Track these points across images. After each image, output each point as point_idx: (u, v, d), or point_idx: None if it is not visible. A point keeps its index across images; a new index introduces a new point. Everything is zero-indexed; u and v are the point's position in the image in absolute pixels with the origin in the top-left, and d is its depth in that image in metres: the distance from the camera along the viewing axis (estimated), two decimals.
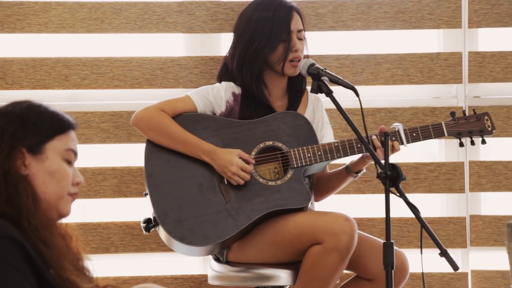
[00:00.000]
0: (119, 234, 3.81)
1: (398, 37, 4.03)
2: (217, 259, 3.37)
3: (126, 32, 3.85)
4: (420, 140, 3.35)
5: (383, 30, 3.94)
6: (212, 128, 3.31)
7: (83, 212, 3.94)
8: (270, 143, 3.32)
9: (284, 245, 3.19)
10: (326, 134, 3.46)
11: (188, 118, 3.31)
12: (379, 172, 2.78)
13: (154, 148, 3.30)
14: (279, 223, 3.21)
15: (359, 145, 3.29)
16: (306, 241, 3.13)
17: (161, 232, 3.24)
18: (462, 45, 3.96)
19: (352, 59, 3.91)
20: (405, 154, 3.81)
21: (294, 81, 3.43)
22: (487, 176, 3.91)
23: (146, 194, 3.29)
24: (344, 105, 3.02)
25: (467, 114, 3.42)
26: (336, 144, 3.30)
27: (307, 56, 3.39)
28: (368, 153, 3.28)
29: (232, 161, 3.22)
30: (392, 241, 2.70)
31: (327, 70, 3.13)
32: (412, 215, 2.77)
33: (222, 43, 3.91)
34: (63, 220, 2.09)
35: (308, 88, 3.42)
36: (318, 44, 3.82)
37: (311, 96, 3.47)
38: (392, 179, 2.76)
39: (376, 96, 3.96)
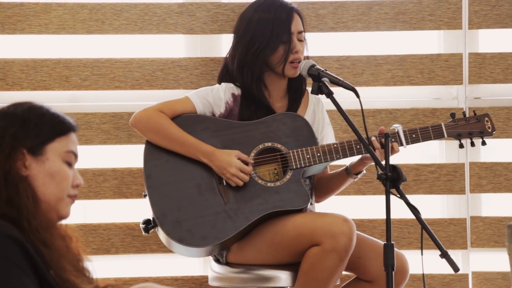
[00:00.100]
0: (119, 235, 3.81)
1: (399, 38, 4.03)
2: (217, 260, 3.37)
3: (127, 33, 3.85)
4: (420, 142, 3.35)
5: (384, 31, 3.94)
6: (211, 129, 3.31)
7: (83, 213, 3.94)
8: (269, 144, 3.32)
9: (283, 246, 3.19)
10: (327, 135, 3.46)
11: (187, 119, 3.32)
12: (379, 173, 2.78)
13: (153, 149, 3.30)
14: (278, 225, 3.21)
15: (358, 146, 3.29)
16: (305, 242, 3.13)
17: (161, 233, 3.24)
18: (462, 46, 3.96)
19: (352, 60, 3.91)
20: (406, 155, 3.81)
21: (294, 82, 3.43)
22: (487, 177, 3.91)
23: (145, 195, 3.29)
24: (344, 106, 3.02)
25: (467, 116, 3.42)
26: (335, 145, 3.30)
27: (307, 57, 3.39)
28: (367, 154, 3.28)
29: (231, 162, 3.22)
30: (392, 242, 2.70)
31: (327, 71, 3.13)
32: (412, 216, 2.77)
33: (222, 44, 3.91)
34: (63, 221, 2.09)
35: (309, 89, 3.42)
36: (318, 45, 3.82)
37: (312, 97, 3.47)
38: (392, 180, 2.76)
39: (377, 97, 3.96)
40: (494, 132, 3.41)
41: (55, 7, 3.81)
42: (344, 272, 3.27)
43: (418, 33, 3.98)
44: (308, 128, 3.34)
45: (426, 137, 3.35)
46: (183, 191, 3.24)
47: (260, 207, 3.22)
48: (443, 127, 3.37)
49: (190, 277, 3.85)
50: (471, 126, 3.40)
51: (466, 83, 3.95)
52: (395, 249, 2.74)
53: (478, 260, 3.97)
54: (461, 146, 3.40)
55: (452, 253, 3.62)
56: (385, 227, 2.73)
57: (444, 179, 3.91)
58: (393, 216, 2.75)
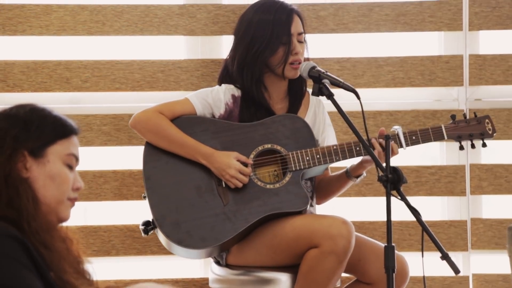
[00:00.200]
0: (120, 237, 3.81)
1: (399, 40, 4.03)
2: (218, 262, 3.37)
3: (127, 34, 3.85)
4: (420, 143, 3.34)
5: (384, 33, 3.94)
6: (211, 130, 3.31)
7: (84, 215, 3.94)
8: (269, 146, 3.31)
9: (282, 248, 3.18)
10: (328, 137, 3.46)
11: (186, 121, 3.31)
12: (380, 175, 2.78)
13: (152, 151, 3.30)
14: (277, 226, 3.21)
15: (358, 148, 3.28)
16: (304, 244, 3.12)
17: (160, 235, 3.24)
18: (463, 47, 3.96)
19: (353, 61, 3.91)
20: (406, 157, 3.81)
21: (295, 84, 3.43)
22: (488, 179, 3.91)
23: (145, 197, 3.29)
24: (345, 108, 3.02)
25: (467, 117, 3.42)
26: (334, 147, 3.29)
27: (308, 59, 3.39)
28: (367, 158, 3.28)
29: (230, 164, 3.22)
30: (393, 244, 2.70)
31: (328, 73, 3.13)
32: (413, 218, 2.77)
33: (223, 46, 3.91)
34: (64, 224, 2.09)
35: (309, 90, 3.42)
36: (319, 46, 3.82)
37: (313, 99, 3.47)
38: (393, 182, 2.76)
39: (377, 98, 3.95)
40: (494, 134, 3.41)
41: (56, 8, 3.81)
42: (344, 274, 3.27)
43: (418, 34, 3.98)
44: (307, 130, 3.34)
45: (426, 139, 3.35)
46: (182, 193, 3.24)
47: (259, 209, 3.22)
48: (443, 129, 3.37)
49: (190, 279, 3.85)
50: (471, 128, 3.39)
51: (467, 85, 3.95)
52: (395, 251, 2.74)
53: (478, 262, 3.96)
54: (461, 148, 3.39)
55: (453, 255, 3.62)
56: (385, 229, 2.72)
57: (444, 181, 3.91)
58: (393, 218, 2.75)
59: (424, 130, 3.35)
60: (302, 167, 3.27)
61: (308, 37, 3.45)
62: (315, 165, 3.28)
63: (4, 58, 3.81)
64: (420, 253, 2.82)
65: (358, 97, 2.98)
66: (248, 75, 3.35)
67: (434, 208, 4.03)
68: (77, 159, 2.09)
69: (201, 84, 3.81)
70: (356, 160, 3.35)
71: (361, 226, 3.83)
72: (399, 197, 2.77)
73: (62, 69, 3.81)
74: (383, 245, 2.74)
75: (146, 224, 3.27)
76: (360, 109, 2.96)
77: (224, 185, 3.25)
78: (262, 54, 3.32)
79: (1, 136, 2.01)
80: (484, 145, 3.39)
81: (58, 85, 3.81)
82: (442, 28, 3.94)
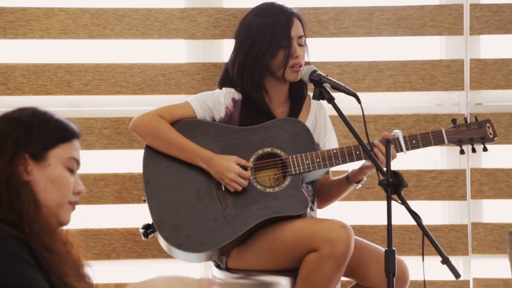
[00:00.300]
0: (120, 240, 3.81)
1: (400, 44, 4.03)
2: (218, 266, 3.37)
3: (129, 38, 3.86)
4: (420, 148, 3.34)
5: (385, 37, 3.94)
6: (211, 134, 3.31)
7: (84, 218, 3.94)
8: (269, 149, 3.31)
9: (282, 252, 3.18)
10: (330, 140, 3.45)
11: (187, 124, 3.32)
12: (381, 179, 2.78)
13: (152, 154, 3.30)
14: (277, 230, 3.21)
15: (358, 152, 3.28)
16: (303, 248, 3.12)
17: (160, 238, 3.24)
18: (464, 52, 3.96)
19: (354, 65, 3.91)
20: (407, 161, 3.81)
21: (296, 88, 3.43)
22: (489, 183, 3.91)
23: (145, 200, 3.29)
24: (346, 112, 3.02)
25: (468, 121, 3.41)
26: (334, 151, 3.29)
27: (308, 63, 3.39)
28: (367, 164, 3.28)
29: (230, 167, 3.22)
30: (393, 248, 2.70)
31: (329, 77, 3.13)
32: (414, 222, 2.77)
33: (224, 50, 3.91)
34: (64, 227, 2.09)
35: (310, 94, 3.42)
36: (320, 50, 3.82)
37: (314, 103, 3.47)
38: (394, 186, 2.76)
39: (378, 103, 3.96)
40: (495, 138, 3.41)
41: (57, 12, 3.81)
42: (344, 278, 3.27)
43: (419, 38, 3.98)
44: (307, 134, 3.34)
45: (426, 143, 3.35)
46: (181, 196, 3.24)
47: (258, 212, 3.22)
48: (444, 133, 3.37)
49: None
50: (472, 132, 3.39)
51: (468, 89, 3.95)
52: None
53: (479, 267, 3.96)
54: (462, 152, 3.39)
55: (453, 260, 3.63)
56: (386, 233, 2.72)
57: (445, 185, 3.91)
58: (394, 222, 2.75)
59: (424, 134, 3.35)
60: (302, 170, 3.27)
61: (309, 41, 3.45)
62: (314, 169, 3.28)
63: (5, 61, 3.81)
64: (421, 257, 2.82)
65: (359, 101, 2.98)
66: (248, 79, 3.35)
67: (435, 212, 4.03)
68: (78, 162, 2.09)
69: (202, 88, 3.81)
70: (356, 165, 3.35)
71: (361, 230, 3.83)
72: (400, 201, 2.77)
73: (63, 72, 3.81)
74: (383, 249, 2.74)
75: (146, 227, 3.27)
76: (361, 113, 2.96)
77: (223, 189, 3.25)
78: (262, 58, 3.33)
79: (3, 139, 2.01)
80: (485, 149, 3.39)
81: (59, 88, 3.81)
82: (443, 32, 3.94)
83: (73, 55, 3.88)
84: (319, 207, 3.49)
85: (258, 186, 3.26)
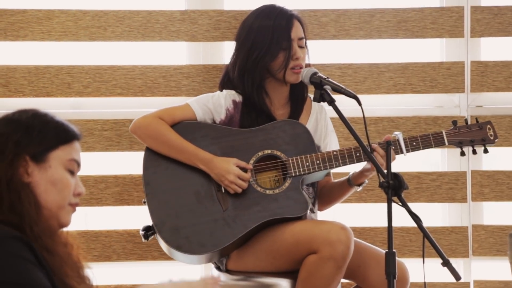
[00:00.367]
0: (121, 242, 3.81)
1: (401, 46, 4.03)
2: (218, 268, 3.37)
3: (129, 40, 3.86)
4: (420, 149, 3.34)
5: (386, 39, 3.94)
6: (211, 136, 3.31)
7: (85, 220, 3.94)
8: (269, 151, 3.31)
9: (282, 254, 3.18)
10: (331, 142, 3.45)
11: (187, 126, 3.32)
12: (381, 181, 2.78)
13: (152, 156, 3.30)
14: (277, 232, 3.20)
15: (358, 154, 3.28)
16: (303, 250, 3.12)
17: (160, 240, 3.24)
18: (464, 54, 3.96)
19: (354, 68, 3.91)
20: (407, 163, 3.81)
21: (296, 90, 3.43)
22: (489, 185, 3.91)
23: (145, 202, 3.29)
24: (346, 114, 3.02)
25: (469, 123, 3.41)
26: (334, 153, 3.29)
27: (309, 65, 3.39)
28: (367, 167, 3.28)
29: (229, 169, 3.22)
30: (394, 250, 2.70)
31: (329, 79, 3.13)
32: (414, 224, 2.77)
33: (224, 52, 3.91)
34: (65, 229, 2.09)
35: (311, 96, 3.42)
36: (320, 53, 3.82)
37: (315, 105, 3.47)
38: (394, 188, 2.76)
39: (379, 105, 3.96)
40: (496, 140, 3.40)
41: (58, 14, 3.81)
42: (344, 280, 3.27)
43: (420, 41, 3.98)
44: (307, 136, 3.34)
45: (426, 145, 3.34)
46: (181, 198, 3.24)
47: (258, 214, 3.22)
48: (444, 135, 3.36)
49: None
50: (473, 133, 3.39)
51: (468, 91, 3.95)
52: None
53: (479, 269, 3.96)
54: (462, 154, 3.38)
55: (454, 262, 3.62)
56: (386, 235, 2.72)
57: (446, 187, 3.90)
58: (394, 224, 2.75)
59: (424, 136, 3.35)
60: (302, 172, 3.27)
61: (310, 43, 3.45)
62: (315, 171, 3.28)
63: (6, 63, 3.81)
64: (421, 259, 2.82)
65: (360, 103, 2.98)
66: (249, 81, 3.35)
67: (435, 214, 4.03)
68: (78, 164, 2.09)
69: (202, 90, 3.81)
70: (357, 168, 3.34)
71: (362, 232, 3.83)
72: (400, 203, 2.77)
73: (63, 74, 3.81)
74: (383, 251, 2.74)
75: (146, 229, 3.27)
76: (362, 115, 2.96)
77: (223, 191, 3.25)
78: (262, 60, 3.33)
79: (3, 141, 2.01)
80: (485, 151, 3.38)
81: (60, 90, 3.81)
82: (444, 34, 3.94)
83: (74, 57, 3.89)
84: (320, 209, 3.49)
85: (258, 188, 3.26)
